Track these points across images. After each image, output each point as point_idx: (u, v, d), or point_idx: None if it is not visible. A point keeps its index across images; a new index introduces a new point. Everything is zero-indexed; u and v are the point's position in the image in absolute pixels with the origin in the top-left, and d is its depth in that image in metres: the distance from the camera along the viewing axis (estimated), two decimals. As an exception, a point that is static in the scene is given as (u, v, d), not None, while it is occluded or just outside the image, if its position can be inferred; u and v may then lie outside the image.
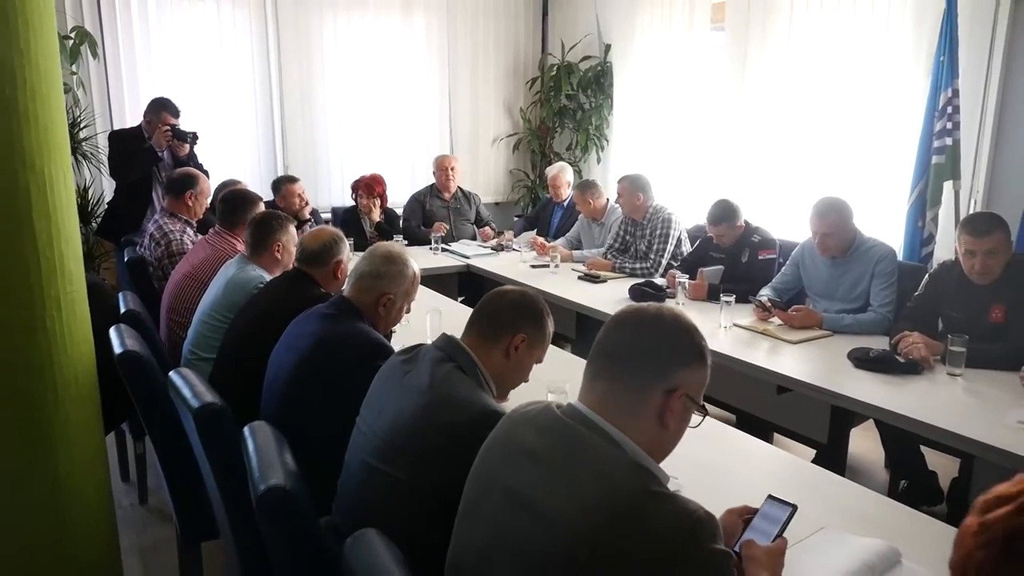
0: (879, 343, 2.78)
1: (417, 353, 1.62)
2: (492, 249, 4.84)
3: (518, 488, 1.11)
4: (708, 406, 3.58)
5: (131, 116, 5.03)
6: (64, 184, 1.92)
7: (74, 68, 4.62)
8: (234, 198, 3.32)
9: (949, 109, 3.51)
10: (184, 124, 4.46)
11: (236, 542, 1.79)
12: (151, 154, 4.22)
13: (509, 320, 1.62)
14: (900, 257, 3.64)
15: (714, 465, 1.94)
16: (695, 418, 1.21)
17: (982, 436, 2.09)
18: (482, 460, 1.21)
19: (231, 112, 5.50)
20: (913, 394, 2.45)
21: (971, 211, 3.64)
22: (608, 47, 5.97)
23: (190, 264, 3.09)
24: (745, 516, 1.46)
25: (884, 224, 3.95)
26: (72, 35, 4.57)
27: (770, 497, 1.48)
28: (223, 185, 4.16)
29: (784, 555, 1.40)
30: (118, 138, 4.38)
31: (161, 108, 4.30)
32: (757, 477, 1.92)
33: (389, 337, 2.44)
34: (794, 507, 1.45)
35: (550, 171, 5.26)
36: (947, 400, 2.41)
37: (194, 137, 4.31)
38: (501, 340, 1.61)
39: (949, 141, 3.53)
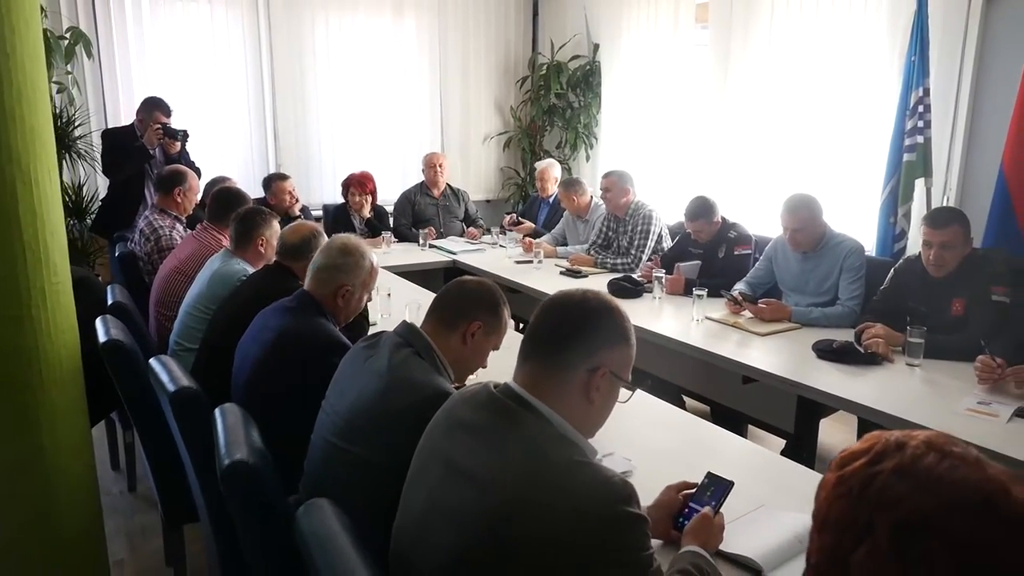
0: (846, 335, 2.86)
1: (379, 339, 1.71)
2: (489, 245, 4.95)
3: (454, 458, 1.20)
4: (685, 398, 3.67)
5: (125, 115, 5.12)
6: (49, 180, 2.00)
7: (69, 68, 4.70)
8: (225, 195, 3.43)
9: (920, 108, 3.59)
10: (177, 122, 4.55)
11: (212, 523, 1.88)
12: (143, 152, 4.31)
13: (466, 308, 1.71)
14: (873, 253, 3.74)
15: (676, 454, 2.01)
16: (625, 393, 1.29)
17: (934, 423, 2.16)
18: (426, 435, 1.30)
19: (224, 110, 5.59)
20: (872, 384, 2.54)
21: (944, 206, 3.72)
22: (596, 46, 6.05)
23: (178, 258, 3.18)
24: (684, 492, 1.55)
25: (858, 220, 4.03)
26: (67, 35, 4.66)
27: (709, 474, 1.58)
28: (213, 182, 4.25)
29: (721, 528, 1.49)
30: (110, 136, 4.47)
31: (153, 107, 4.39)
32: (712, 463, 2.01)
33: (364, 328, 2.54)
34: (731, 483, 1.54)
35: (538, 166, 5.37)
36: (904, 389, 2.50)
37: (184, 135, 4.41)
38: (458, 327, 1.70)
39: (920, 139, 3.61)
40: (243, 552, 1.61)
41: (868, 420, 2.44)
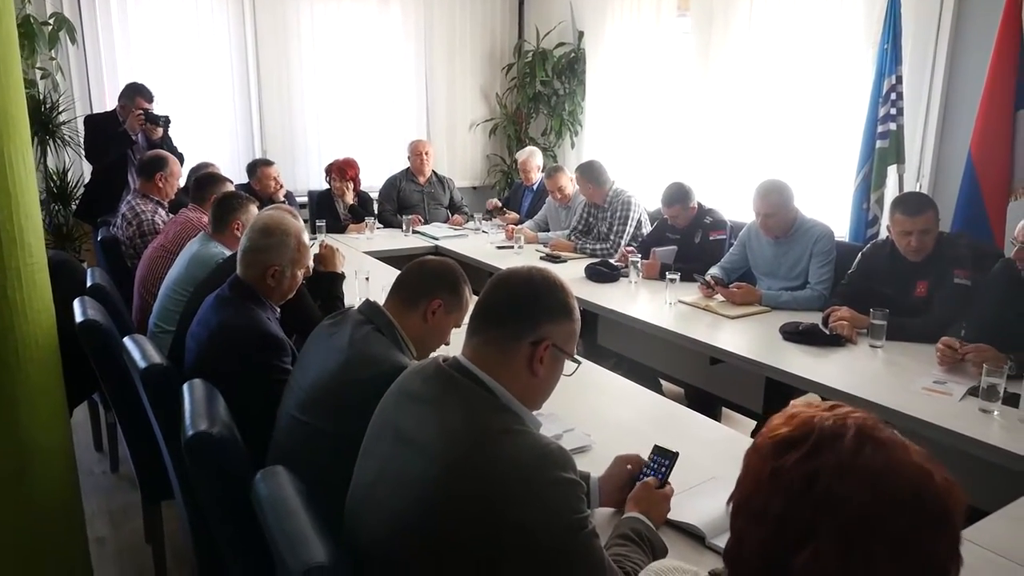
0: (815, 318, 2.92)
1: (343, 317, 1.77)
2: (472, 231, 4.99)
3: (402, 427, 1.25)
4: (663, 382, 3.73)
5: (109, 101, 5.13)
6: (23, 163, 2.04)
7: (52, 54, 4.72)
8: (204, 177, 3.53)
9: (893, 95, 3.64)
10: (161, 108, 4.57)
11: (184, 497, 1.94)
12: (125, 138, 4.34)
13: (427, 286, 1.76)
14: (846, 238, 3.80)
15: (637, 431, 2.03)
16: (570, 366, 1.35)
17: (892, 402, 2.24)
18: (380, 406, 1.36)
19: (209, 96, 5.60)
20: (836, 365, 2.61)
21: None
22: (581, 34, 6.08)
23: (164, 238, 3.23)
24: (632, 464, 1.61)
25: (832, 206, 4.09)
26: (51, 21, 4.67)
27: (655, 447, 1.64)
28: (196, 168, 4.29)
29: (666, 498, 1.55)
30: (92, 122, 4.50)
31: (135, 93, 4.41)
32: (667, 439, 2.07)
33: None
34: (676, 454, 1.60)
35: (520, 155, 5.41)
36: (866, 370, 2.56)
37: (166, 121, 4.43)
38: (419, 305, 1.75)
39: (893, 126, 3.66)
40: (209, 523, 1.67)
41: (831, 400, 2.50)
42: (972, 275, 2.74)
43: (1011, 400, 2.12)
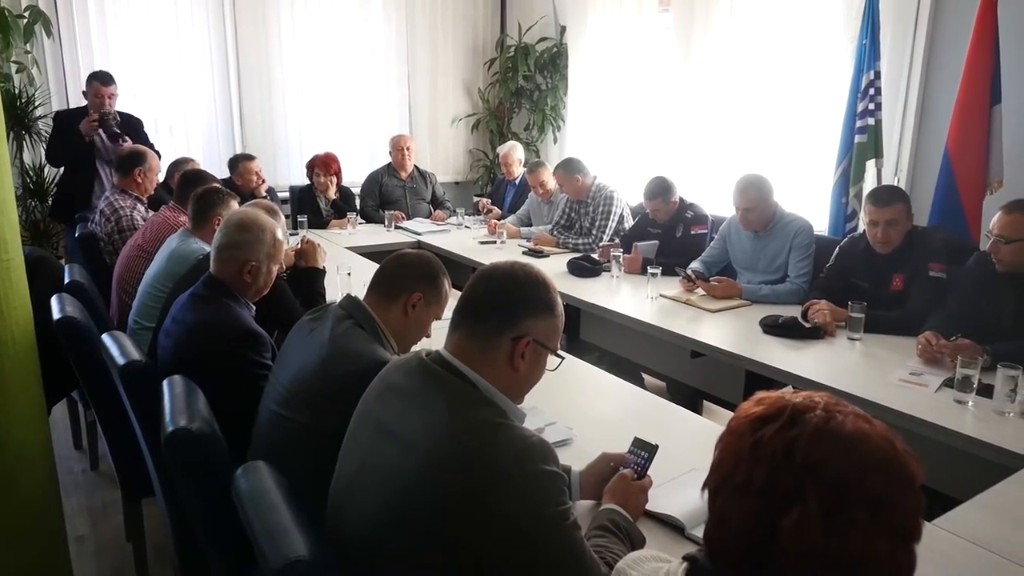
0: (794, 312, 2.95)
1: (324, 312, 1.77)
2: (455, 226, 4.98)
3: (385, 420, 1.26)
4: (645, 376, 3.75)
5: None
6: (-2, 157, 2.02)
7: (28, 47, 4.65)
8: (192, 176, 3.47)
9: (871, 91, 3.68)
10: (140, 103, 4.53)
11: (164, 494, 1.93)
12: (81, 138, 4.26)
13: (406, 280, 1.76)
14: (826, 232, 3.84)
15: (619, 425, 2.06)
16: (553, 361, 1.35)
17: (869, 393, 2.27)
18: (362, 401, 1.36)
19: (188, 91, 5.55)
20: (815, 357, 2.64)
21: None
22: (563, 29, 6.08)
23: (141, 237, 3.20)
24: (615, 461, 1.62)
25: (812, 200, 4.13)
26: (26, 14, 4.60)
27: (635, 439, 1.65)
28: (176, 163, 4.25)
29: (643, 490, 1.57)
30: (59, 119, 4.43)
31: (92, 79, 4.36)
32: (648, 431, 2.08)
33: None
34: (655, 447, 1.61)
35: (501, 150, 5.42)
36: (844, 362, 2.60)
37: (115, 119, 4.28)
38: (399, 298, 1.75)
39: (871, 121, 3.70)
40: (190, 519, 1.66)
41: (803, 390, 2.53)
42: (947, 268, 2.78)
43: (985, 391, 2.16)
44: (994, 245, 2.50)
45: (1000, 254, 2.49)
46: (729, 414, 2.93)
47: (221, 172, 4.82)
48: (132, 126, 4.54)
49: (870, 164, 3.77)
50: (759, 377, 2.75)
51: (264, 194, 4.62)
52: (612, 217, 4.29)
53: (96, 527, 2.86)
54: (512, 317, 1.28)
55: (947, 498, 1.85)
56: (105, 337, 2.06)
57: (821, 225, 3.83)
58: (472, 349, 1.28)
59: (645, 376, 3.81)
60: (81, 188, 4.35)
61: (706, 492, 0.88)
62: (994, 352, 2.29)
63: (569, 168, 4.33)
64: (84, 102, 4.43)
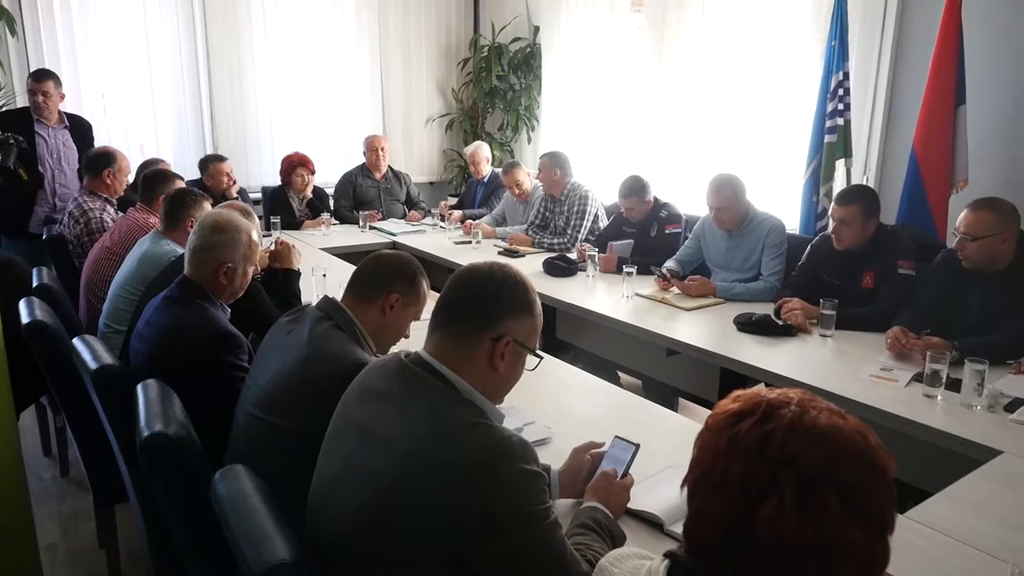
0: (767, 309, 2.99)
1: (302, 314, 1.75)
2: (430, 227, 4.95)
3: (364, 422, 1.25)
4: (621, 374, 3.78)
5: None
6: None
7: (-9, 46, 4.56)
8: (153, 175, 3.44)
9: (840, 91, 3.73)
10: (107, 102, 4.41)
11: (139, 500, 1.90)
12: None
13: (384, 281, 1.76)
14: (797, 230, 3.89)
15: (597, 423, 2.06)
16: (532, 361, 1.36)
17: (842, 389, 2.30)
18: (341, 402, 1.35)
19: (157, 90, 5.46)
20: (788, 354, 2.67)
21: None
22: (537, 29, 6.09)
23: (109, 240, 3.15)
24: (591, 452, 1.63)
25: (784, 199, 4.18)
26: (-11, 12, 4.51)
27: (616, 437, 1.66)
28: (145, 164, 4.19)
29: (625, 488, 1.58)
30: None
31: (29, 77, 4.24)
32: (628, 429, 2.10)
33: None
34: (637, 445, 1.63)
35: (467, 150, 5.45)
36: (817, 359, 2.64)
37: (16, 147, 3.81)
38: (377, 299, 1.75)
39: (840, 121, 3.75)
40: (168, 525, 1.64)
41: (777, 387, 2.57)
42: (916, 265, 2.84)
43: (953, 385, 2.20)
44: (961, 242, 2.56)
45: (966, 251, 2.54)
46: (705, 411, 2.96)
47: (192, 173, 4.77)
48: (81, 129, 4.41)
49: (839, 164, 3.82)
50: (734, 374, 2.78)
51: (235, 195, 4.57)
52: (587, 216, 4.31)
53: (67, 534, 2.81)
54: (491, 317, 1.28)
55: (918, 491, 1.88)
56: (76, 341, 2.02)
57: (792, 224, 3.88)
58: (452, 350, 1.28)
59: (621, 374, 3.83)
60: (21, 195, 4.12)
61: (685, 489, 0.89)
62: (962, 347, 2.34)
63: (555, 160, 4.37)
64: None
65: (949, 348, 2.32)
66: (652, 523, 1.56)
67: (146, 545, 1.94)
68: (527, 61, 6.19)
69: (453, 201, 5.78)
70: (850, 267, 2.96)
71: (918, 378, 2.31)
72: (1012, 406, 2.12)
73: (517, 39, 6.25)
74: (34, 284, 2.80)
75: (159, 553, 1.86)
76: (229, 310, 2.14)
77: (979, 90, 3.43)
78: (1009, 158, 3.45)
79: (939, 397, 2.20)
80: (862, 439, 0.82)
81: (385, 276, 1.76)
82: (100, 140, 4.60)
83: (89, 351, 1.94)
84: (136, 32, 5.32)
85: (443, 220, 5.12)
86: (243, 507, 1.21)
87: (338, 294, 1.84)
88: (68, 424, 2.38)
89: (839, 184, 3.84)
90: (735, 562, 0.81)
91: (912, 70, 3.76)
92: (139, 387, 1.68)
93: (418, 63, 6.51)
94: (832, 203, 2.94)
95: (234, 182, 4.71)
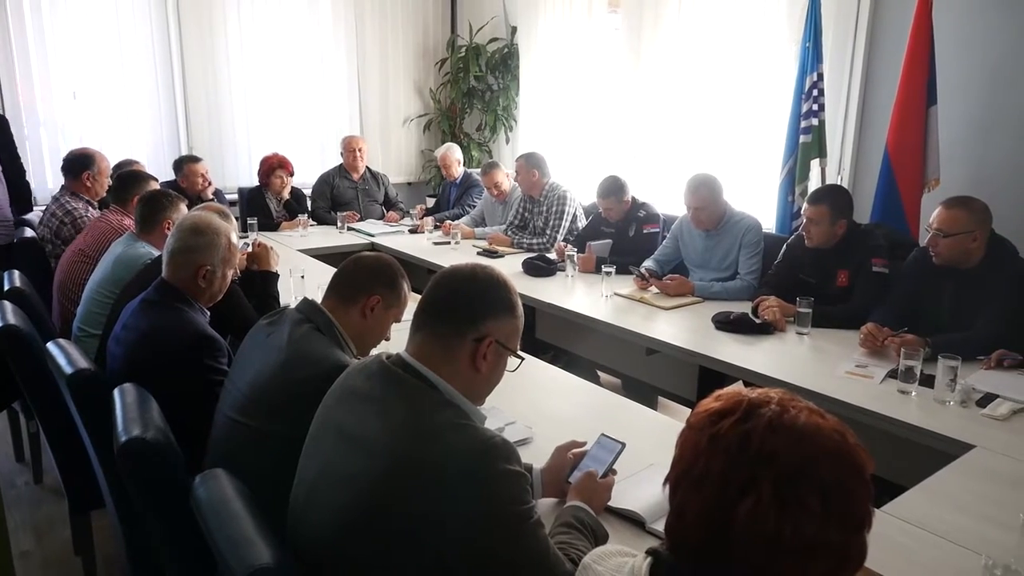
0: (745, 308, 3.02)
1: (281, 316, 1.74)
2: (408, 231, 4.92)
3: (345, 425, 1.25)
4: (601, 374, 3.79)
5: (24, 98, 4.92)
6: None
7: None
8: (128, 176, 3.40)
9: (815, 92, 3.78)
10: (80, 103, 4.34)
11: (116, 505, 1.88)
12: None
13: (365, 283, 1.75)
14: (773, 229, 3.93)
15: (578, 422, 2.07)
16: (513, 362, 1.36)
17: (818, 387, 2.33)
18: (322, 405, 1.35)
19: (131, 91, 5.39)
20: (765, 352, 2.70)
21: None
22: (514, 29, 6.10)
23: (82, 242, 3.11)
24: (573, 451, 1.64)
25: (760, 199, 4.22)
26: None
27: (602, 435, 1.67)
28: (119, 165, 4.14)
29: (607, 487, 1.59)
30: None
31: None
32: (610, 429, 2.11)
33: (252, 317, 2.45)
34: (623, 445, 1.64)
35: (437, 153, 5.46)
36: (793, 356, 2.67)
37: None
38: (357, 301, 1.74)
39: (815, 121, 3.80)
40: (147, 531, 1.62)
41: (759, 386, 2.59)
42: (889, 263, 2.88)
43: (927, 381, 2.24)
44: (933, 239, 2.60)
45: (938, 247, 2.59)
46: (685, 410, 2.99)
47: (166, 174, 4.72)
48: None
49: (814, 163, 3.87)
50: (713, 373, 2.81)
51: (211, 197, 4.53)
52: (565, 217, 4.32)
53: (42, 542, 2.77)
54: (474, 318, 1.28)
55: (894, 485, 1.91)
56: (51, 346, 1.99)
57: (768, 223, 3.92)
58: (434, 351, 1.28)
59: (600, 374, 3.85)
60: None
61: (667, 487, 0.90)
62: (934, 344, 2.38)
63: (531, 161, 4.38)
64: (23, 103, 4.27)
65: (922, 344, 2.36)
66: (634, 521, 1.57)
67: (123, 551, 1.92)
68: (505, 61, 6.19)
69: (431, 203, 5.78)
70: (825, 265, 3.00)
71: (893, 374, 2.34)
72: (984, 401, 2.16)
73: (495, 39, 6.25)
74: (6, 288, 2.75)
75: (137, 559, 1.84)
76: (208, 313, 2.12)
77: (950, 91, 3.49)
78: (979, 158, 3.52)
79: (913, 393, 2.23)
80: (841, 438, 0.83)
81: (366, 278, 1.76)
82: (71, 141, 4.54)
83: (64, 356, 1.91)
84: (108, 31, 5.25)
85: (415, 220, 5.10)
86: (224, 512, 1.20)
87: (317, 296, 1.83)
88: (42, 429, 2.34)
89: (814, 184, 3.89)
90: (715, 559, 0.82)
91: (884, 71, 3.82)
92: (116, 391, 1.66)
93: (395, 63, 6.49)
94: (807, 202, 2.98)
95: (209, 183, 4.66)
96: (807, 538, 0.78)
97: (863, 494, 0.82)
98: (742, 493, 0.80)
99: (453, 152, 5.34)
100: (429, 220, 4.94)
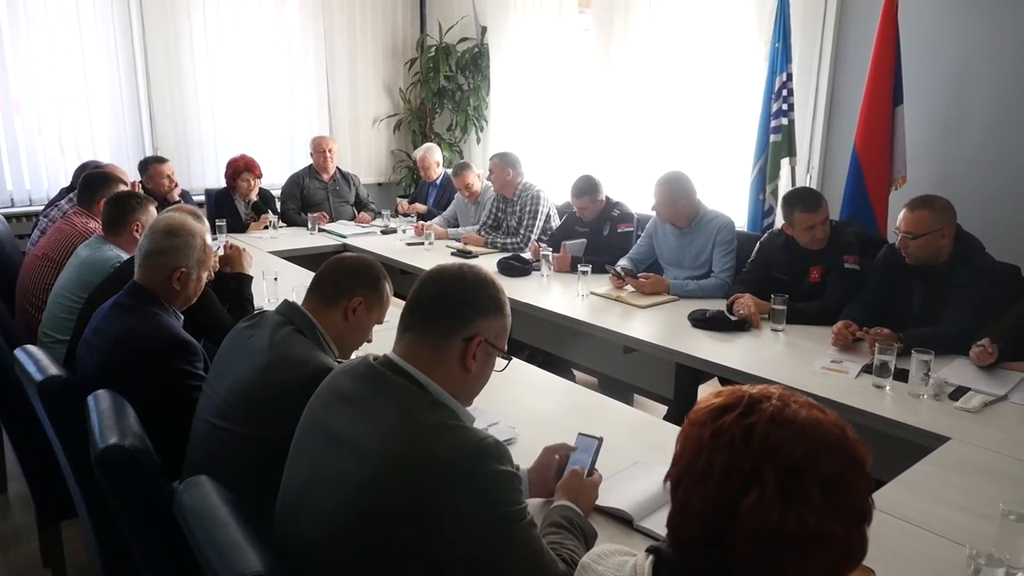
0: (720, 305, 3.04)
1: (261, 319, 1.71)
2: (382, 232, 4.88)
3: (333, 427, 1.23)
4: (576, 372, 3.80)
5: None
6: None
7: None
8: (93, 177, 3.29)
9: (784, 92, 3.83)
10: (40, 103, 4.22)
11: (90, 515, 1.82)
12: None
13: (346, 284, 1.73)
14: (744, 227, 3.97)
15: (560, 421, 2.08)
16: (501, 362, 1.35)
17: (794, 381, 2.35)
18: (308, 408, 1.32)
19: (93, 91, 5.25)
20: (741, 349, 2.73)
21: (807, 184, 3.99)
22: (484, 29, 6.08)
23: (45, 245, 3.03)
24: (560, 453, 1.64)
25: (731, 197, 4.27)
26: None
27: (580, 434, 1.67)
28: (83, 167, 4.04)
29: (594, 485, 1.58)
30: None
31: None
32: (591, 427, 2.11)
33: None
34: (600, 439, 1.64)
35: (416, 154, 5.43)
36: (769, 352, 2.70)
37: None
38: (339, 303, 1.72)
39: (785, 121, 3.85)
40: (125, 540, 1.58)
41: (734, 381, 2.62)
42: (861, 260, 2.93)
43: (901, 375, 2.28)
44: (903, 241, 2.64)
45: (909, 249, 2.63)
46: (660, 408, 3.01)
47: (131, 176, 4.60)
48: None
49: (784, 162, 3.93)
50: (689, 370, 2.83)
51: (177, 198, 4.44)
52: (539, 216, 4.32)
53: (8, 553, 2.69)
54: (463, 318, 1.27)
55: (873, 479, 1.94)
56: (18, 352, 1.93)
57: (740, 221, 3.96)
58: (423, 351, 1.27)
59: (576, 372, 3.86)
60: None
61: (668, 484, 0.89)
62: (907, 338, 2.42)
63: (505, 160, 4.38)
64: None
65: (896, 339, 2.40)
66: (621, 519, 1.57)
67: (98, 561, 1.87)
68: (475, 61, 6.17)
69: (405, 204, 5.74)
70: (798, 262, 3.04)
71: (867, 369, 2.38)
72: (956, 394, 2.21)
73: (464, 39, 6.23)
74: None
75: (112, 570, 1.80)
76: (183, 317, 2.07)
77: (916, 90, 3.56)
78: (944, 156, 3.60)
79: (888, 387, 2.27)
80: (841, 432, 0.84)
81: (348, 280, 1.73)
82: (32, 142, 4.41)
83: (33, 362, 1.85)
84: (69, 30, 5.10)
85: (402, 215, 5.07)
86: (210, 519, 1.17)
87: (291, 297, 1.80)
88: (10, 440, 2.27)
89: (784, 182, 3.95)
90: (718, 554, 0.82)
91: (852, 71, 3.88)
92: (91, 398, 1.62)
93: (364, 63, 6.42)
94: (801, 213, 2.94)
95: (175, 184, 4.56)
96: (810, 530, 0.79)
97: (863, 486, 0.84)
98: (746, 486, 0.80)
99: (433, 154, 5.31)
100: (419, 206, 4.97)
